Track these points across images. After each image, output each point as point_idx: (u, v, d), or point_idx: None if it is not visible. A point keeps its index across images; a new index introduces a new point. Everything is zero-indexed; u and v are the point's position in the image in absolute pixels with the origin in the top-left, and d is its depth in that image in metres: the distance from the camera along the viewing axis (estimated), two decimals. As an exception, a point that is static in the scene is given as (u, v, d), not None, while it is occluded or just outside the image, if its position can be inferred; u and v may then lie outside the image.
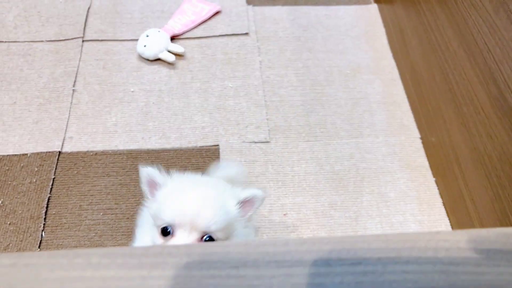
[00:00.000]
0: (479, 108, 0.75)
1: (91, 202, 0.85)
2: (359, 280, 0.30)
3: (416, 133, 0.99)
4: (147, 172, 0.58)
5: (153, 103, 0.99)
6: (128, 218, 0.84)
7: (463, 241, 0.33)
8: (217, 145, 0.94)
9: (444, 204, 0.89)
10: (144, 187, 0.60)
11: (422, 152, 0.96)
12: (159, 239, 0.55)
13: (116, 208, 0.85)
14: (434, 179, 0.92)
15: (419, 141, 0.98)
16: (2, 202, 0.84)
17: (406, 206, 0.89)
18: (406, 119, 1.01)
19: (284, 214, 0.87)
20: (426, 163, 0.95)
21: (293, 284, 0.30)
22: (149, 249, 0.31)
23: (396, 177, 0.92)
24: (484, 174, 0.74)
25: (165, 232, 0.55)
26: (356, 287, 0.30)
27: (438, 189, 0.91)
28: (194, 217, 0.54)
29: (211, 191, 0.59)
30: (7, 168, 0.88)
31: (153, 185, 0.59)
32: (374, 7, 1.21)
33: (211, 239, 0.55)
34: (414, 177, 0.93)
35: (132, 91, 1.01)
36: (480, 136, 0.75)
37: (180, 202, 0.55)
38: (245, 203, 0.59)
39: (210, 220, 0.54)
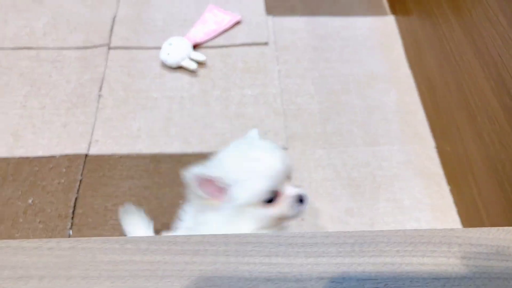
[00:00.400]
0: (493, 118, 0.77)
1: (115, 203, 0.89)
2: (379, 270, 0.33)
3: (431, 142, 1.01)
4: (195, 173, 0.54)
5: (175, 109, 1.03)
6: (151, 219, 0.87)
7: (474, 238, 0.35)
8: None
9: (458, 212, 0.91)
10: (198, 191, 0.56)
11: (437, 160, 0.98)
12: (269, 210, 0.56)
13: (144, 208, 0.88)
14: (448, 187, 0.94)
15: (434, 149, 1.00)
16: (32, 201, 0.88)
17: (421, 213, 0.91)
18: (421, 128, 1.03)
19: (302, 219, 0.89)
20: (441, 172, 0.97)
21: (319, 272, 0.33)
22: (191, 237, 0.34)
23: (411, 184, 0.94)
24: (497, 182, 0.76)
25: (269, 201, 0.56)
26: (376, 277, 0.33)
27: (453, 197, 0.93)
28: (284, 167, 0.56)
29: (266, 142, 0.60)
30: (37, 169, 0.92)
31: (208, 183, 0.55)
32: (390, 18, 1.24)
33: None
34: (428, 185, 0.95)
35: (155, 97, 1.05)
36: (494, 145, 0.77)
37: (264, 165, 0.56)
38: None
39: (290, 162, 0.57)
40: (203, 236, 0.34)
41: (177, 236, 0.33)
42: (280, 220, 0.60)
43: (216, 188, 0.56)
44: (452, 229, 0.36)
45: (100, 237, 0.34)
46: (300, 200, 0.59)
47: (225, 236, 0.34)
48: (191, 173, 0.54)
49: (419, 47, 1.07)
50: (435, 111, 1.00)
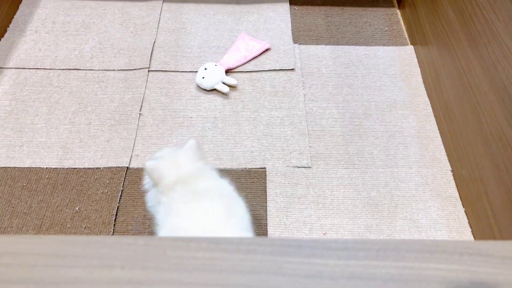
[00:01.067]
0: (507, 145, 0.83)
1: (153, 213, 0.97)
2: (401, 273, 0.40)
3: (447, 166, 1.07)
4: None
5: (208, 128, 1.12)
6: (185, 229, 0.95)
7: (483, 249, 0.42)
8: (264, 167, 1.05)
9: (472, 233, 0.96)
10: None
11: (452, 183, 1.04)
12: None
13: (175, 219, 0.96)
14: (463, 209, 1.00)
15: (450, 173, 1.06)
16: (78, 209, 0.97)
17: (437, 233, 0.96)
18: (438, 152, 1.09)
19: (324, 233, 0.96)
20: (456, 194, 1.02)
21: (350, 272, 0.40)
22: (243, 239, 0.41)
23: (427, 205, 1.00)
24: (510, 205, 0.82)
25: None
26: (399, 278, 0.40)
27: (468, 219, 0.98)
28: None
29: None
30: (83, 179, 1.01)
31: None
32: (410, 48, 1.32)
33: None
34: (444, 207, 1.00)
35: (191, 117, 1.13)
36: (508, 171, 0.83)
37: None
38: None
39: None
40: (253, 238, 0.41)
41: (232, 238, 0.41)
42: None
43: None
44: (464, 241, 0.43)
45: (169, 236, 0.42)
46: None
47: (271, 239, 0.41)
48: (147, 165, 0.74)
49: (437, 76, 1.14)
50: (451, 137, 1.06)
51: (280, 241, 0.42)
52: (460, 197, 1.01)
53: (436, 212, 0.99)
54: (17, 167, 1.02)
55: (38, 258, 0.40)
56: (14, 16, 1.35)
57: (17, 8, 1.37)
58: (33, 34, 1.31)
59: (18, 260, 0.39)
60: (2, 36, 1.29)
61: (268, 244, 0.41)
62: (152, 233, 0.93)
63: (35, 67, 1.22)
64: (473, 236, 0.95)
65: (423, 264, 0.40)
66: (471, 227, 0.97)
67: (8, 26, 1.32)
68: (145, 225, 0.95)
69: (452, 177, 1.05)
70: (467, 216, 0.98)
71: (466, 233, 0.96)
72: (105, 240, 0.42)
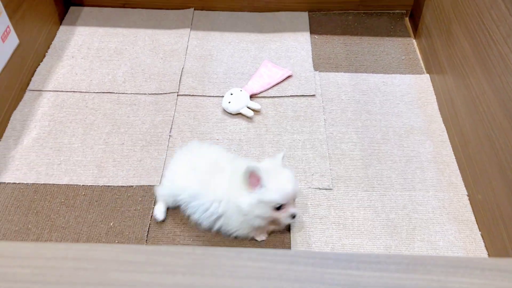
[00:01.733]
0: (521, 172, 0.88)
1: (182, 230, 1.02)
2: (428, 284, 0.45)
3: (463, 190, 1.11)
4: (251, 166, 0.86)
5: (234, 150, 1.18)
6: (213, 245, 1.00)
7: (502, 265, 0.47)
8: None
9: (489, 255, 1.00)
10: (246, 177, 0.87)
11: (469, 207, 1.08)
12: (273, 212, 0.90)
13: (203, 236, 1.01)
14: (479, 232, 1.03)
15: (466, 197, 1.10)
16: (113, 224, 1.02)
17: (454, 255, 1.00)
18: (454, 177, 1.14)
19: (345, 253, 1.00)
20: (473, 218, 1.06)
21: (383, 283, 0.45)
22: (287, 251, 0.47)
23: (445, 228, 1.04)
24: (525, 229, 0.86)
25: (278, 208, 0.89)
26: (426, 289, 0.44)
27: (484, 242, 1.02)
28: (296, 193, 0.91)
29: (290, 172, 0.92)
30: (117, 196, 1.07)
31: (254, 175, 0.86)
32: (426, 76, 1.38)
33: None
34: (461, 230, 1.04)
35: (217, 139, 1.20)
36: (522, 196, 0.87)
37: (286, 187, 0.89)
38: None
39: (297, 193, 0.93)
40: (296, 251, 0.47)
41: (277, 250, 0.46)
42: (273, 223, 0.95)
43: (256, 181, 0.87)
44: (485, 258, 0.48)
45: (223, 247, 0.47)
46: (293, 216, 0.91)
47: (312, 252, 0.47)
48: (249, 166, 0.86)
49: (453, 104, 1.20)
50: (467, 163, 1.11)
51: (320, 254, 0.47)
52: (476, 221, 1.05)
53: (453, 235, 1.03)
54: (56, 184, 1.09)
55: (111, 264, 0.45)
56: (52, 42, 1.44)
57: (55, 35, 1.47)
58: (70, 59, 1.39)
59: (94, 265, 0.45)
60: (41, 61, 1.38)
61: (310, 257, 0.47)
62: (182, 249, 0.98)
63: (72, 90, 1.30)
64: (489, 257, 0.99)
65: (448, 277, 0.45)
66: (487, 249, 1.00)
67: (47, 52, 1.41)
68: (175, 241, 1.00)
69: (468, 201, 1.09)
70: (483, 239, 1.02)
71: (482, 255, 1.00)
72: (168, 249, 0.48)
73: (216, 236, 1.01)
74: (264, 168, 0.88)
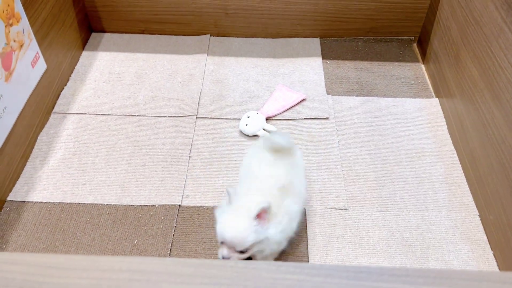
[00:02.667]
0: (532, 193, 0.91)
1: (204, 248, 1.06)
2: (454, 297, 0.48)
3: (475, 211, 1.14)
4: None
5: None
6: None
7: (521, 279, 0.50)
8: (304, 208, 1.13)
9: (502, 275, 1.02)
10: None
11: (481, 227, 1.11)
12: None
13: (223, 254, 1.05)
14: (492, 252, 1.06)
15: (478, 218, 1.13)
16: (136, 242, 1.06)
17: (468, 274, 1.03)
18: (465, 198, 1.17)
19: (361, 271, 1.03)
20: (485, 238, 1.09)
21: (409, 295, 0.49)
22: (323, 265, 0.51)
23: (458, 248, 1.07)
24: (538, 248, 0.89)
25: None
26: (452, 301, 0.48)
27: (497, 261, 1.04)
28: (231, 240, 0.82)
29: (241, 218, 0.83)
30: (140, 215, 1.11)
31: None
32: (435, 100, 1.43)
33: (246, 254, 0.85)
34: (474, 249, 1.07)
35: (235, 160, 1.24)
36: (534, 216, 0.90)
37: (222, 227, 0.84)
38: (258, 216, 0.83)
39: (241, 243, 0.82)
40: (331, 265, 0.51)
41: (314, 264, 0.50)
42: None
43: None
44: (507, 272, 0.51)
45: (262, 261, 0.51)
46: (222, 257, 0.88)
47: (346, 266, 0.50)
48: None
49: (463, 127, 1.24)
50: (478, 184, 1.15)
51: (353, 268, 0.51)
52: (488, 241, 1.08)
53: (467, 254, 1.06)
54: (81, 203, 1.13)
55: (162, 275, 0.49)
56: (75, 67, 1.51)
57: (78, 60, 1.54)
58: (92, 83, 1.46)
59: (146, 276, 0.49)
60: (65, 85, 1.44)
61: (344, 270, 0.51)
62: (203, 266, 1.02)
63: (95, 113, 1.36)
64: (503, 277, 1.02)
65: (473, 290, 0.49)
66: (500, 269, 1.03)
67: (70, 76, 1.47)
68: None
69: (480, 222, 1.12)
70: (495, 259, 1.05)
71: (496, 275, 1.02)
72: (212, 263, 0.52)
73: (236, 254, 1.04)
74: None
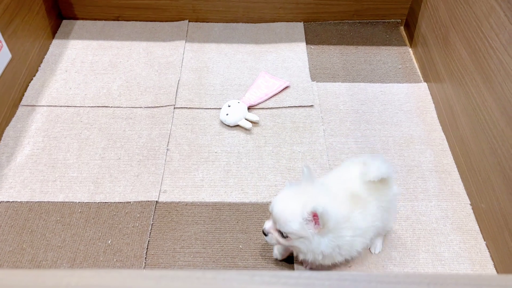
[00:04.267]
0: (526, 180, 0.87)
1: (182, 246, 1.00)
2: (450, 305, 0.43)
3: (466, 199, 1.10)
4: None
5: (233, 162, 1.16)
6: (214, 262, 0.97)
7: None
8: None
9: (495, 266, 0.98)
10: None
11: (472, 217, 1.07)
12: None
13: (204, 253, 0.99)
14: (484, 242, 1.02)
15: (469, 206, 1.09)
16: (111, 242, 1.00)
17: (460, 266, 0.98)
18: (456, 186, 1.13)
19: (349, 266, 0.98)
20: (477, 227, 1.05)
21: (403, 303, 0.43)
22: (302, 273, 0.45)
23: (449, 238, 1.03)
24: (533, 239, 0.85)
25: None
26: (448, 310, 0.43)
27: (489, 251, 1.00)
28: (276, 214, 0.77)
29: (296, 203, 0.76)
30: (114, 213, 1.05)
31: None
32: (424, 85, 1.37)
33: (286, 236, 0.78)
34: (466, 240, 1.03)
35: (216, 152, 1.18)
36: (528, 205, 0.86)
37: (277, 199, 0.79)
38: (313, 219, 0.75)
39: (283, 223, 0.76)
40: (311, 273, 0.45)
41: (291, 272, 0.44)
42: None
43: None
44: (508, 276, 0.46)
45: (234, 270, 0.45)
46: (263, 232, 0.84)
47: (328, 273, 0.45)
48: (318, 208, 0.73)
49: (452, 113, 1.19)
50: (469, 171, 1.10)
51: (337, 275, 0.45)
52: (480, 230, 1.04)
53: (458, 245, 1.01)
54: (51, 202, 1.06)
55: (118, 291, 0.43)
56: (45, 57, 1.42)
57: (48, 49, 1.45)
58: (63, 73, 1.37)
59: (99, 293, 0.43)
60: (34, 75, 1.35)
61: (326, 278, 0.45)
62: (182, 267, 0.96)
63: (66, 104, 1.28)
64: (496, 268, 0.98)
65: (470, 296, 0.43)
66: (493, 260, 0.99)
67: (40, 66, 1.39)
68: (175, 258, 0.98)
69: (472, 211, 1.07)
70: (488, 249, 1.01)
71: (488, 266, 0.98)
72: (177, 274, 0.45)
73: (216, 253, 0.98)
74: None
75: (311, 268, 0.95)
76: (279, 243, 0.81)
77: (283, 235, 0.78)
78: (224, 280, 0.45)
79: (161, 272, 0.46)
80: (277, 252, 0.96)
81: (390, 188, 0.87)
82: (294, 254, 0.93)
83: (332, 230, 0.77)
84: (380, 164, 0.83)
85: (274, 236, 0.80)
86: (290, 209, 0.76)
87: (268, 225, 0.81)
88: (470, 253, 1.00)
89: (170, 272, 0.45)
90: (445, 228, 1.04)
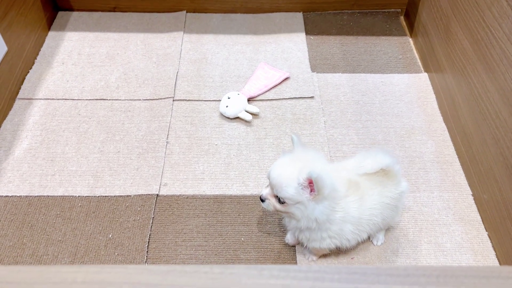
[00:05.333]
0: (529, 170, 0.86)
1: (184, 239, 0.99)
2: (461, 297, 0.42)
3: (468, 190, 1.10)
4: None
5: (233, 155, 1.15)
6: (216, 255, 0.97)
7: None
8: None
9: (497, 256, 0.98)
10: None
11: (474, 207, 1.07)
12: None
13: (206, 246, 0.98)
14: (486, 232, 1.02)
15: (471, 197, 1.08)
16: (111, 236, 0.99)
17: (462, 257, 0.98)
18: (458, 177, 1.12)
19: (352, 258, 0.98)
20: (479, 218, 1.05)
21: (413, 297, 0.42)
22: (311, 267, 0.44)
23: (451, 229, 1.03)
24: (536, 229, 0.84)
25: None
26: (459, 302, 0.42)
27: (491, 242, 1.00)
28: (273, 180, 0.77)
29: (292, 168, 0.76)
30: (114, 207, 1.04)
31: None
32: (424, 75, 1.36)
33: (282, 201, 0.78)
34: (468, 230, 1.03)
35: (216, 145, 1.17)
36: (531, 195, 0.86)
37: (274, 165, 0.79)
38: (309, 185, 0.74)
39: (280, 188, 0.76)
40: (320, 266, 0.44)
41: (300, 266, 0.43)
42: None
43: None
44: (514, 266, 0.45)
45: (242, 265, 0.44)
46: (260, 199, 0.84)
47: (337, 267, 0.44)
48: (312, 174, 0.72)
49: (454, 103, 1.18)
50: (471, 162, 1.10)
51: (346, 269, 0.44)
52: (482, 221, 1.04)
53: (460, 236, 1.01)
54: (50, 196, 1.04)
55: (125, 286, 0.42)
56: (41, 49, 1.40)
57: (44, 41, 1.43)
58: (60, 66, 1.35)
59: (105, 289, 0.42)
60: (31, 68, 1.33)
61: (335, 272, 0.44)
62: (184, 260, 0.95)
63: (64, 97, 1.26)
64: (498, 259, 0.98)
65: (481, 289, 0.43)
66: (495, 250, 0.99)
67: (36, 59, 1.37)
68: (177, 251, 0.97)
69: (473, 201, 1.07)
70: (490, 240, 1.01)
71: (490, 257, 0.98)
72: (184, 269, 0.45)
73: (218, 246, 0.98)
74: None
75: (312, 254, 0.95)
76: (275, 209, 0.81)
77: (280, 200, 0.79)
78: (232, 274, 0.44)
79: (168, 267, 0.45)
80: (289, 237, 0.96)
81: (397, 184, 0.86)
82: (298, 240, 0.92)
83: (327, 197, 0.77)
84: (379, 156, 0.83)
85: (271, 202, 0.81)
86: (286, 175, 0.76)
87: (265, 191, 0.82)
88: (472, 244, 1.00)
89: (177, 267, 0.45)
90: (447, 218, 1.04)
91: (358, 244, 0.96)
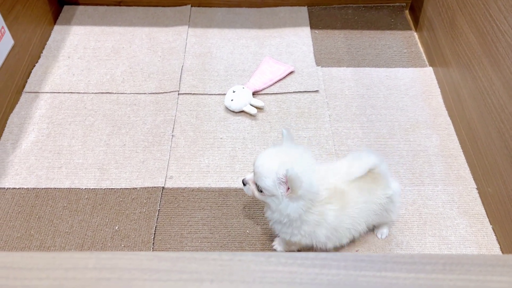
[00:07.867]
0: (534, 164, 0.87)
1: (190, 231, 1.00)
2: (467, 285, 0.43)
3: (472, 184, 1.10)
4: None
5: (238, 148, 1.15)
6: (221, 247, 0.97)
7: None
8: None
9: (501, 249, 0.99)
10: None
11: (478, 201, 1.07)
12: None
13: (211, 238, 0.99)
14: (491, 226, 1.02)
15: (476, 191, 1.09)
16: (118, 228, 1.00)
17: (466, 250, 0.99)
18: (462, 170, 1.13)
19: (356, 251, 0.98)
20: (483, 211, 1.05)
21: (419, 285, 0.43)
22: (318, 254, 0.45)
23: (455, 222, 1.03)
24: (540, 222, 0.85)
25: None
26: (464, 290, 0.43)
27: (496, 235, 1.01)
28: (256, 167, 0.78)
29: (276, 161, 0.76)
30: (121, 199, 1.05)
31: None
32: (429, 69, 1.36)
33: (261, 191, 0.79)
34: (472, 224, 1.03)
35: (221, 138, 1.17)
36: (536, 188, 0.86)
37: (260, 154, 0.80)
38: (285, 181, 0.74)
39: (260, 177, 0.77)
40: (328, 254, 0.45)
41: (307, 253, 0.44)
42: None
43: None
44: (519, 255, 0.46)
45: (250, 252, 0.45)
46: (243, 182, 0.85)
47: (344, 254, 0.45)
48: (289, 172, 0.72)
49: (459, 97, 1.18)
50: (475, 155, 1.10)
51: (353, 256, 0.45)
52: (487, 214, 1.04)
53: (465, 229, 1.01)
54: (57, 188, 1.05)
55: (135, 272, 0.43)
56: (47, 43, 1.41)
57: (50, 35, 1.43)
58: (66, 60, 1.36)
59: (117, 274, 0.43)
60: (37, 62, 1.34)
61: (342, 260, 0.45)
62: (189, 251, 0.96)
63: (70, 91, 1.27)
64: (502, 252, 0.98)
65: (487, 277, 0.43)
66: (499, 243, 0.99)
67: (42, 52, 1.37)
68: (182, 243, 0.98)
69: (478, 195, 1.08)
70: (495, 233, 1.01)
71: (495, 249, 0.99)
72: (193, 255, 0.45)
73: (224, 238, 0.98)
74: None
75: (283, 244, 0.96)
76: (254, 195, 0.82)
77: (258, 188, 0.80)
78: (241, 261, 0.45)
79: (178, 254, 0.46)
80: (277, 244, 0.96)
81: (385, 188, 0.85)
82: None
83: (302, 197, 0.76)
84: (364, 157, 0.83)
85: (251, 188, 0.82)
86: (268, 166, 0.77)
87: (248, 176, 0.83)
88: (477, 237, 1.00)
89: (186, 254, 0.45)
90: (452, 212, 1.05)
91: (362, 237, 0.96)
